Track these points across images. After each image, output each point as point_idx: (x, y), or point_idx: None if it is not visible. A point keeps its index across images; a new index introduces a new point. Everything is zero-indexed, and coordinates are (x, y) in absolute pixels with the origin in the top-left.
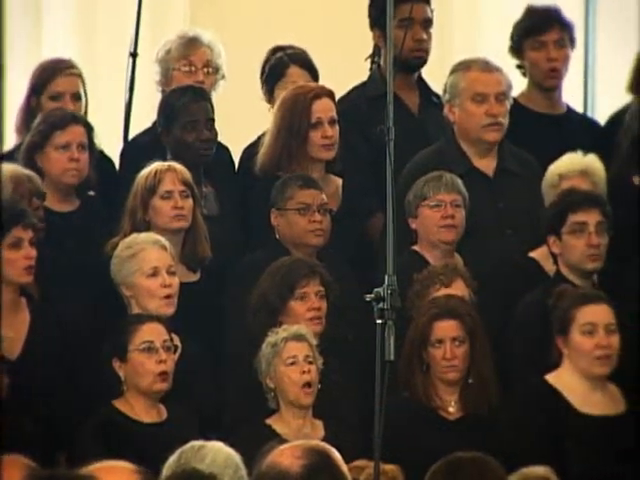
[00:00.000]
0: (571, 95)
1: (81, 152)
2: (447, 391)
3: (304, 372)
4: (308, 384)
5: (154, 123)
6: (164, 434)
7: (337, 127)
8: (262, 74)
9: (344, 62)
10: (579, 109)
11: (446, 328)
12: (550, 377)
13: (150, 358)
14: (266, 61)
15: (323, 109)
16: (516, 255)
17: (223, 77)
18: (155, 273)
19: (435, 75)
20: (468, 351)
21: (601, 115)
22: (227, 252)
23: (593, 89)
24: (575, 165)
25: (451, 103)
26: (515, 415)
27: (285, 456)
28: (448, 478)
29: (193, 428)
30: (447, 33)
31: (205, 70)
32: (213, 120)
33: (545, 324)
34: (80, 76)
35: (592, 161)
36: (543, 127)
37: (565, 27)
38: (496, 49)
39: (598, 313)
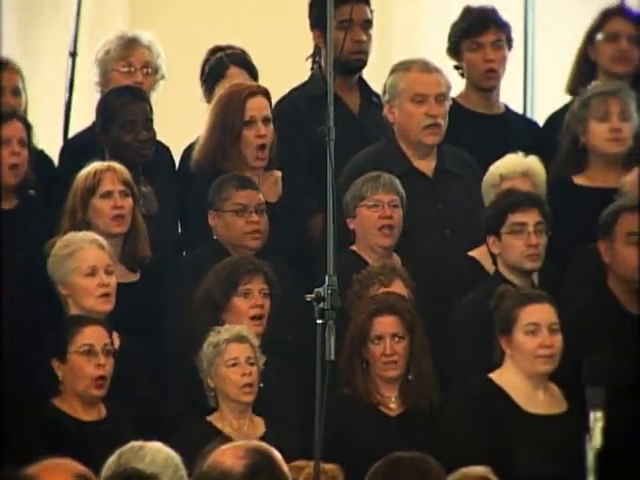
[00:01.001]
0: (511, 95)
1: (21, 148)
2: (387, 388)
3: (245, 374)
4: (249, 385)
5: (93, 123)
6: (103, 433)
7: (271, 126)
8: (202, 74)
9: (284, 62)
10: (519, 109)
11: (385, 324)
12: (493, 375)
13: (89, 362)
14: (205, 61)
15: (257, 107)
16: (455, 255)
17: (163, 77)
18: (93, 272)
19: (375, 75)
20: (407, 347)
21: (541, 115)
22: (167, 251)
23: (533, 89)
24: (517, 166)
25: (391, 104)
26: (459, 413)
27: (227, 456)
28: (388, 478)
29: (133, 427)
30: (387, 34)
31: (144, 71)
32: (151, 120)
33: (485, 324)
34: (19, 72)
35: (533, 162)
36: (481, 127)
37: (502, 28)
38: (436, 50)
39: (541, 313)
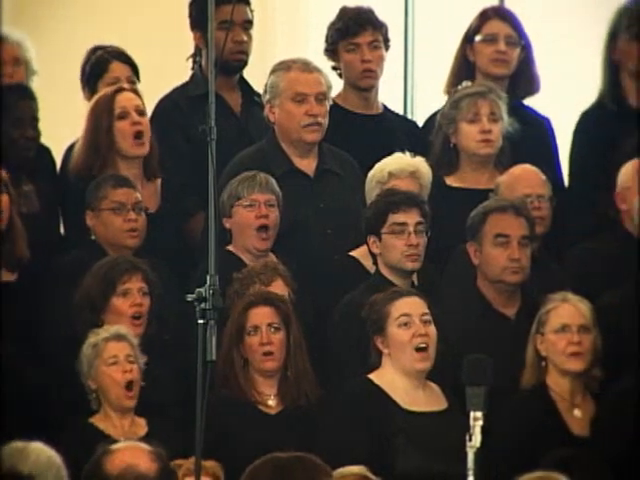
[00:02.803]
0: (391, 96)
1: None
2: (266, 385)
3: (126, 372)
4: (130, 384)
5: None
6: None
7: (147, 119)
8: (82, 74)
9: (165, 62)
10: (399, 110)
11: (261, 314)
12: (372, 376)
13: None
14: (86, 62)
15: (126, 99)
16: (337, 254)
17: (34, 73)
18: None
19: (257, 75)
20: (284, 340)
21: (423, 116)
22: (46, 251)
23: (413, 90)
24: (407, 166)
25: (271, 103)
26: (338, 412)
27: (140, 459)
28: (269, 477)
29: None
30: (269, 33)
31: (13, 69)
32: (37, 119)
33: (364, 323)
34: None
35: (421, 163)
36: (360, 127)
37: (378, 28)
38: (317, 49)
39: (411, 304)
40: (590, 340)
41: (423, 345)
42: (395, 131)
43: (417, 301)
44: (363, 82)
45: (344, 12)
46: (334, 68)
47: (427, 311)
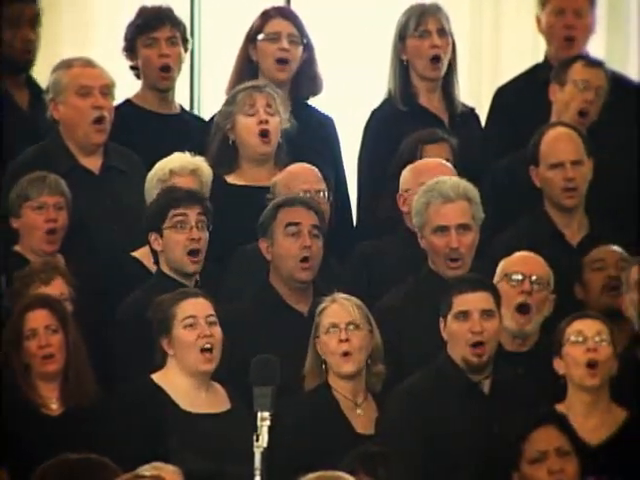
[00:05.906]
0: (178, 94)
1: None
2: (47, 388)
3: None
4: None
5: None
6: None
7: None
8: None
9: None
10: (186, 107)
11: (38, 317)
12: (155, 376)
13: None
14: None
15: None
16: (122, 252)
17: None
18: None
19: (43, 73)
20: (63, 342)
21: (209, 116)
22: None
23: (200, 88)
24: (187, 164)
25: (55, 101)
26: (119, 412)
27: None
28: (57, 479)
29: None
30: (56, 32)
31: None
32: None
33: (147, 323)
34: None
35: (201, 162)
36: (158, 127)
37: (177, 25)
38: (104, 51)
39: (196, 305)
40: (360, 337)
41: (208, 346)
42: (190, 131)
43: (202, 302)
44: (161, 84)
45: (143, 10)
46: (132, 68)
47: (212, 312)
